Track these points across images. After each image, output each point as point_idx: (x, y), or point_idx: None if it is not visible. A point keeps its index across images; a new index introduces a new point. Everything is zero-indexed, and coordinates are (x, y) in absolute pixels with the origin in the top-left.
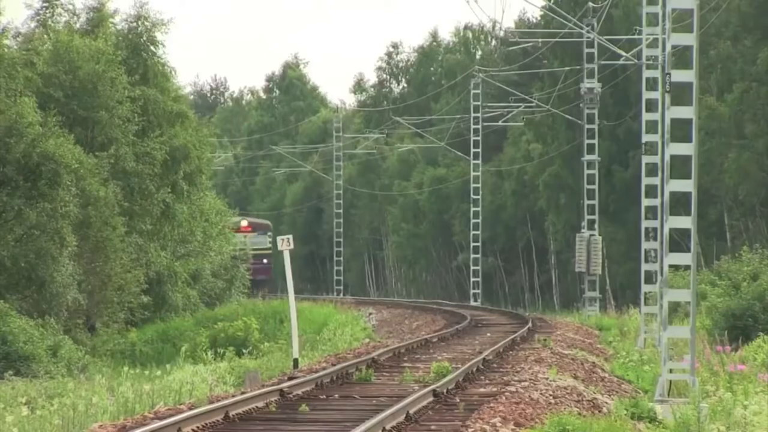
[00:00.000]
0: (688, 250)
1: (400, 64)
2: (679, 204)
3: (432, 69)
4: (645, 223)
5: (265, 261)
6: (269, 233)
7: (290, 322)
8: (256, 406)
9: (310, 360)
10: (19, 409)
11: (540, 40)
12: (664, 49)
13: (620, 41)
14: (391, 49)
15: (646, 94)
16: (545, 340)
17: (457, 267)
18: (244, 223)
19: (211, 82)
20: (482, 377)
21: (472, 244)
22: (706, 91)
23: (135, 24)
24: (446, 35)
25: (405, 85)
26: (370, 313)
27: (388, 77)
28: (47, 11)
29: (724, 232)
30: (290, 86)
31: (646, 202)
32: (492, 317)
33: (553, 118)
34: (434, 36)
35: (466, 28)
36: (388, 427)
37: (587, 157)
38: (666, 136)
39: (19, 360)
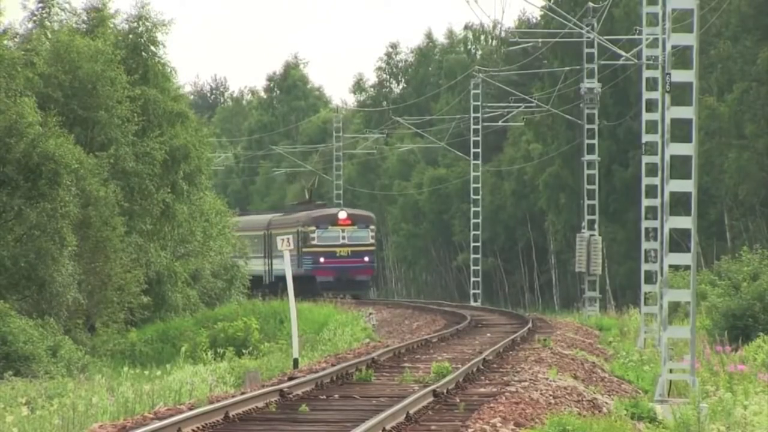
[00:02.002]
0: (688, 250)
1: (400, 65)
2: (679, 204)
3: (429, 69)
4: (645, 223)
5: (366, 259)
6: (372, 227)
7: (290, 322)
8: (256, 407)
9: (310, 360)
10: (19, 409)
11: (540, 40)
12: (664, 49)
13: (620, 41)
14: (390, 50)
15: (646, 94)
16: (545, 340)
17: (457, 267)
18: (342, 214)
19: (211, 82)
20: (482, 377)
21: (472, 244)
22: (706, 91)
23: (136, 24)
24: (443, 36)
25: (404, 85)
26: (370, 313)
27: (388, 77)
28: (44, 11)
29: (724, 232)
30: (292, 86)
31: (646, 202)
32: (492, 317)
33: (553, 118)
34: (429, 36)
35: (466, 27)
36: (388, 427)
37: (587, 157)
38: (666, 136)
39: (19, 360)
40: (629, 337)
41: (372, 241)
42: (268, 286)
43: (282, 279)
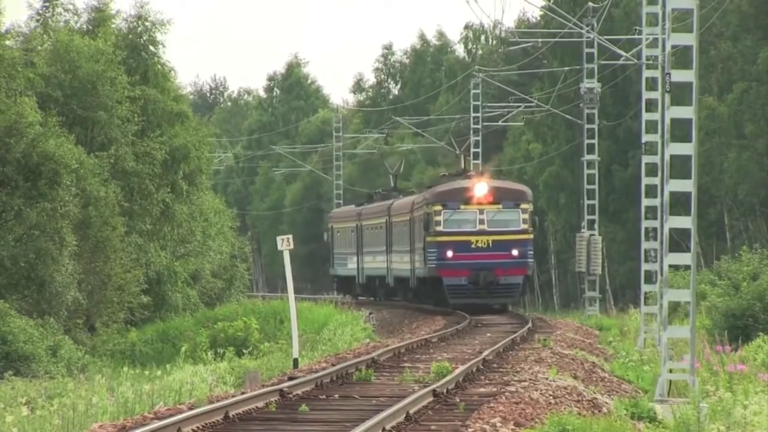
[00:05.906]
0: (688, 250)
1: (397, 65)
2: (679, 204)
3: (425, 70)
4: (645, 223)
5: (515, 252)
6: (524, 206)
7: (290, 322)
8: (256, 406)
9: (310, 360)
10: (19, 409)
11: (540, 40)
12: (664, 49)
13: (620, 41)
14: (386, 50)
15: (646, 94)
16: (545, 340)
17: None
18: (480, 189)
19: (210, 82)
20: (482, 377)
21: None
22: (706, 91)
23: (135, 24)
24: (434, 38)
25: (400, 87)
26: (370, 313)
27: (386, 78)
28: (47, 11)
29: (724, 232)
30: (294, 85)
31: (645, 202)
32: (492, 317)
33: (553, 118)
34: (422, 37)
35: (466, 27)
36: (388, 427)
37: (587, 157)
38: (666, 136)
39: (19, 360)
40: (629, 337)
41: (525, 226)
42: (393, 291)
43: (401, 281)
